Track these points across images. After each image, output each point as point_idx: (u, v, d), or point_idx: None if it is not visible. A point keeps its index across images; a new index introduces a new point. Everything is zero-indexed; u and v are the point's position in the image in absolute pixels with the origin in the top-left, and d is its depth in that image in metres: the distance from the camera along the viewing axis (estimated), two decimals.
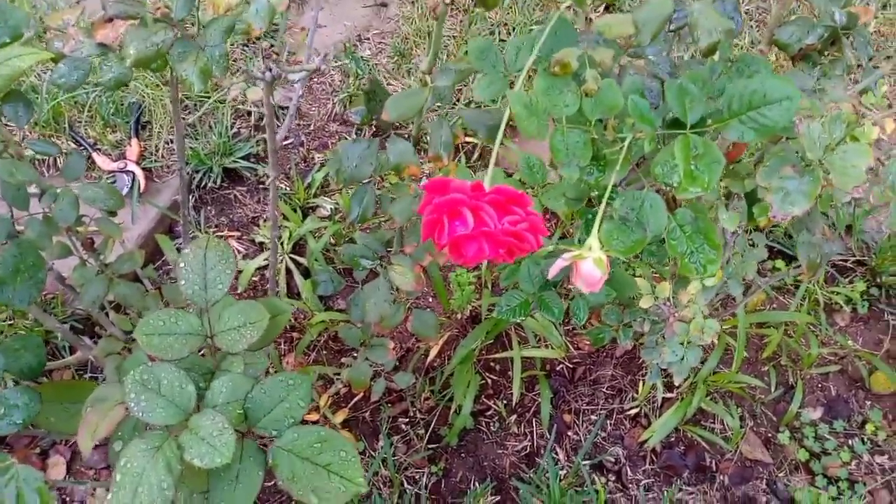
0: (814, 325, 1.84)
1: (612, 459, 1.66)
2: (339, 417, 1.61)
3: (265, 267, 1.83)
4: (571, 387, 1.76)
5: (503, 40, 2.30)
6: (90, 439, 0.73)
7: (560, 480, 1.59)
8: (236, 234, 1.93)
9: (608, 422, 1.71)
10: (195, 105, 2.07)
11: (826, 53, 0.93)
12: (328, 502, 0.71)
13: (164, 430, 0.70)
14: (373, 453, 1.62)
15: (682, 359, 1.20)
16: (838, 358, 1.83)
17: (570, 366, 1.79)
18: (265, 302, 0.85)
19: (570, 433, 1.69)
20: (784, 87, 0.57)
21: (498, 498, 1.59)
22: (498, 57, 0.72)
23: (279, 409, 0.74)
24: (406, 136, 0.93)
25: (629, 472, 1.65)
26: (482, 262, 0.57)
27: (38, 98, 1.92)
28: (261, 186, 2.00)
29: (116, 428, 0.77)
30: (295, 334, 1.76)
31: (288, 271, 1.83)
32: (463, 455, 1.66)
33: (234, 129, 2.06)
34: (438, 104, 0.84)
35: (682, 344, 1.20)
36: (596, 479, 1.62)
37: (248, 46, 2.25)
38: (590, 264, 0.65)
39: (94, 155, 1.89)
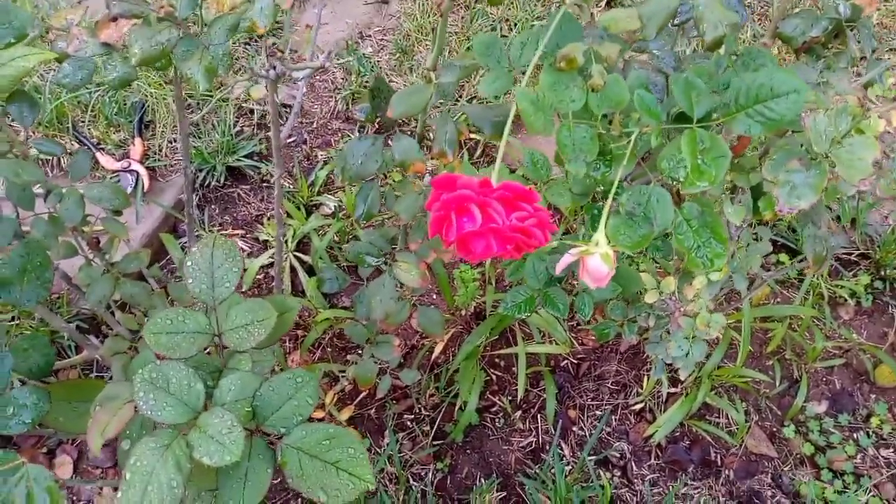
0: (818, 318, 1.84)
1: (618, 454, 1.66)
2: (345, 415, 1.61)
3: (269, 265, 1.83)
4: (576, 382, 1.76)
5: (504, 36, 2.30)
6: (100, 438, 0.73)
7: (566, 476, 1.59)
8: (240, 232, 1.93)
9: (613, 417, 1.71)
10: (198, 104, 2.08)
11: (830, 46, 0.93)
12: (337, 499, 0.71)
13: (172, 428, 0.70)
14: (378, 450, 1.62)
15: (688, 353, 1.20)
16: (843, 351, 1.83)
17: (575, 361, 1.79)
18: (272, 299, 0.85)
19: (575, 429, 1.70)
20: (791, 81, 0.57)
21: (504, 494, 1.60)
22: (503, 53, 0.72)
23: (287, 407, 0.74)
24: (410, 132, 0.93)
25: (634, 467, 1.65)
26: (490, 258, 0.57)
27: (41, 98, 1.92)
28: (264, 184, 2.00)
29: (125, 427, 0.77)
30: (300, 332, 1.76)
31: (292, 269, 1.83)
32: (468, 451, 1.66)
33: (238, 128, 2.06)
34: (441, 101, 0.84)
35: (687, 338, 1.20)
36: (601, 474, 1.62)
37: (249, 45, 2.25)
38: (597, 260, 0.65)
39: (98, 155, 1.89)
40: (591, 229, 0.78)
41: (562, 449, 1.66)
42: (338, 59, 2.25)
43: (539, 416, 1.70)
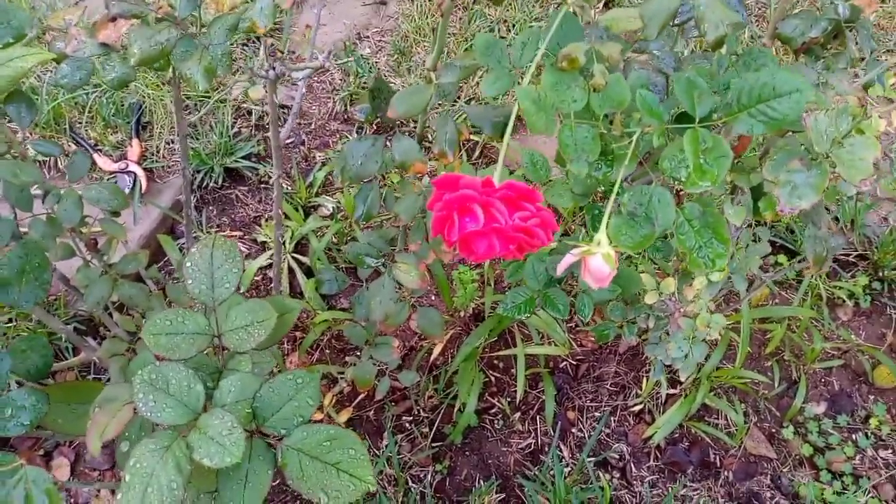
0: (817, 319, 1.84)
1: (617, 456, 1.66)
2: (343, 416, 1.60)
3: (267, 267, 1.83)
4: (575, 384, 1.76)
5: (503, 37, 2.30)
6: (99, 440, 0.73)
7: (565, 477, 1.59)
8: (238, 233, 1.93)
9: (612, 418, 1.71)
10: (196, 105, 2.07)
11: (829, 47, 0.93)
12: (338, 500, 0.71)
13: (172, 430, 0.70)
14: (377, 452, 1.62)
15: (687, 355, 1.20)
16: (841, 352, 1.83)
17: (574, 363, 1.79)
18: (272, 300, 0.85)
19: (574, 430, 1.69)
20: (794, 80, 0.57)
21: (503, 496, 1.59)
22: (504, 52, 0.72)
23: (288, 408, 0.74)
24: (408, 133, 0.92)
25: (634, 469, 1.65)
26: (492, 258, 0.57)
27: (38, 99, 1.91)
28: (262, 186, 2.00)
29: (124, 428, 0.77)
30: (298, 333, 1.76)
31: (290, 271, 1.82)
32: (467, 453, 1.65)
33: (235, 129, 2.06)
34: (441, 101, 0.84)
35: (686, 340, 1.20)
36: (601, 475, 1.62)
37: (248, 46, 2.24)
38: (599, 260, 0.65)
39: (95, 156, 1.89)
40: (592, 229, 0.78)
41: (561, 450, 1.66)
42: (336, 61, 2.25)
43: (538, 417, 1.70)
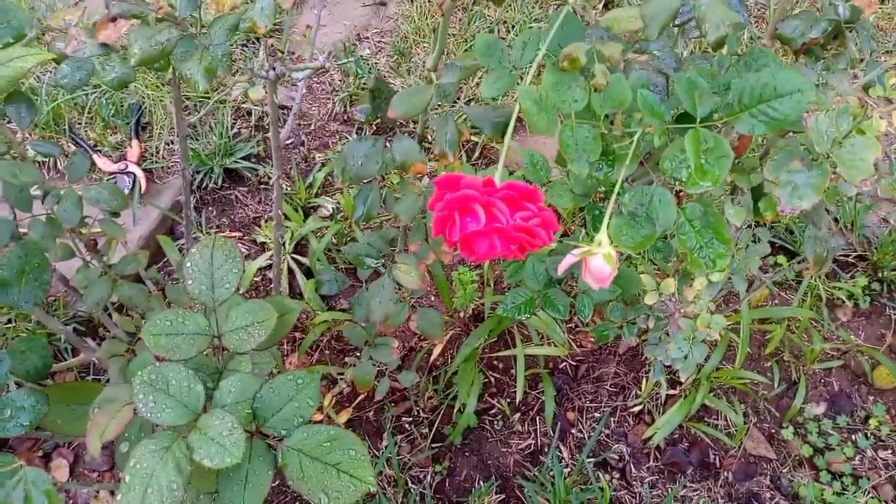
0: (816, 320, 1.84)
1: (617, 457, 1.66)
2: (343, 417, 1.60)
3: (267, 267, 1.82)
4: (575, 384, 1.76)
5: (502, 38, 2.30)
6: (99, 440, 0.73)
7: (565, 478, 1.59)
8: (237, 234, 1.93)
9: (612, 419, 1.71)
10: (196, 106, 2.07)
11: (829, 48, 0.93)
12: (338, 501, 0.71)
13: (172, 430, 0.70)
14: (377, 453, 1.62)
15: (687, 356, 1.20)
16: (841, 353, 1.83)
17: (574, 363, 1.79)
18: (272, 301, 0.85)
19: (573, 431, 1.69)
20: (795, 80, 0.57)
21: (502, 496, 1.59)
22: (504, 53, 0.72)
23: (288, 409, 0.74)
24: (408, 133, 0.92)
25: (633, 470, 1.65)
26: (493, 258, 0.57)
27: (38, 99, 1.91)
28: (262, 186, 2.00)
29: (124, 429, 0.77)
30: (297, 334, 1.76)
31: (290, 271, 1.82)
32: (467, 454, 1.65)
33: (235, 130, 2.06)
34: (441, 102, 0.84)
35: (686, 340, 1.20)
36: (601, 476, 1.62)
37: (247, 46, 2.24)
38: (600, 260, 0.64)
39: (95, 156, 1.89)
40: (593, 230, 0.78)
41: (561, 451, 1.66)
42: (336, 61, 2.25)
43: (538, 418, 1.70)
